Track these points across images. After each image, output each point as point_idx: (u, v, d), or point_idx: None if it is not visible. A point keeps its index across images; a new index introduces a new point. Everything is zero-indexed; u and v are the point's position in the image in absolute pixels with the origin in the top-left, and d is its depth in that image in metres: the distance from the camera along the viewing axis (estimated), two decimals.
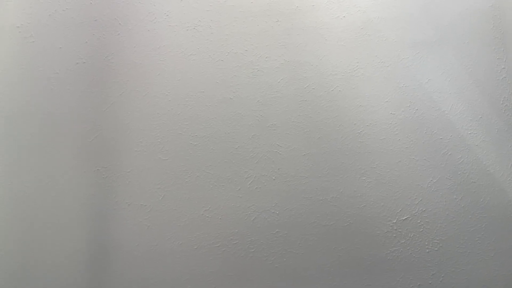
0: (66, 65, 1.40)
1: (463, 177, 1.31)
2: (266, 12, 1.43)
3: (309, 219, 1.30)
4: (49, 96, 1.39)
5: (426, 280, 1.26)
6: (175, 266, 1.28)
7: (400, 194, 1.30)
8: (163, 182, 1.32)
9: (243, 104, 1.37)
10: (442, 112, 1.35)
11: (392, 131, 1.34)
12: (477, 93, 1.35)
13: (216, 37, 1.41)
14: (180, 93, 1.38)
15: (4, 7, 1.45)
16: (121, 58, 1.40)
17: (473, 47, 1.38)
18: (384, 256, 1.27)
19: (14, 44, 1.42)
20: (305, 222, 1.30)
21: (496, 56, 1.37)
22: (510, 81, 1.36)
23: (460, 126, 1.34)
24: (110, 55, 1.41)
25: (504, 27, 1.38)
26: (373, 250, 1.27)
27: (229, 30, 1.42)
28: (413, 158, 1.32)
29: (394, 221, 1.29)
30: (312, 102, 1.37)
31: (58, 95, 1.39)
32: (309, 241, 1.29)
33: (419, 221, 1.29)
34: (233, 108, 1.37)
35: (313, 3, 1.43)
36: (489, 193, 1.30)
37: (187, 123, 1.36)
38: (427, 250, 1.27)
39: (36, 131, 1.36)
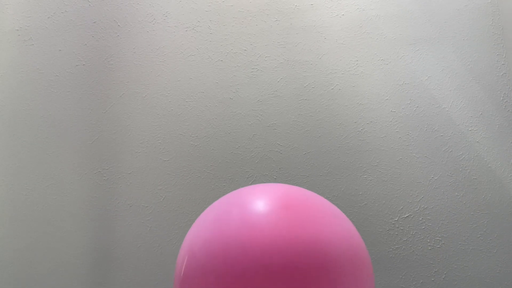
0: (65, 67, 1.41)
1: (465, 174, 1.31)
2: (265, 11, 1.43)
3: None
4: (49, 98, 1.39)
5: (429, 277, 1.25)
6: None
7: (401, 192, 1.30)
8: (164, 183, 1.33)
9: (243, 104, 1.37)
10: (442, 109, 1.34)
11: (393, 129, 1.34)
12: (477, 90, 1.35)
13: (215, 37, 1.42)
14: (180, 93, 1.38)
15: (3, 10, 1.45)
16: (120, 59, 1.41)
17: (472, 43, 1.38)
18: (386, 254, 1.27)
19: (14, 48, 1.42)
20: None
21: (495, 52, 1.37)
22: (510, 77, 1.36)
23: (460, 122, 1.33)
24: (109, 57, 1.41)
25: (503, 23, 1.38)
26: (375, 248, 1.27)
27: (228, 30, 1.42)
28: (414, 156, 1.32)
29: (396, 219, 1.29)
30: (312, 101, 1.36)
31: (58, 97, 1.39)
32: None
33: (420, 219, 1.28)
34: (233, 108, 1.37)
35: (312, 2, 1.43)
36: (490, 189, 1.30)
37: (188, 123, 1.36)
38: (429, 248, 1.27)
39: (36, 133, 1.37)
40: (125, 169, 1.34)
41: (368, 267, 0.82)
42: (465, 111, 1.34)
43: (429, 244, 1.27)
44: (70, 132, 1.37)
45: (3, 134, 1.37)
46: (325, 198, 1.31)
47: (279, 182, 1.32)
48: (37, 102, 1.39)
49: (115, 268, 1.28)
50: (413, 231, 1.28)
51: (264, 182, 1.32)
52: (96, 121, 1.37)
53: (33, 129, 1.37)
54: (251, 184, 1.32)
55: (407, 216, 1.29)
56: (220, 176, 1.33)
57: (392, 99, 1.36)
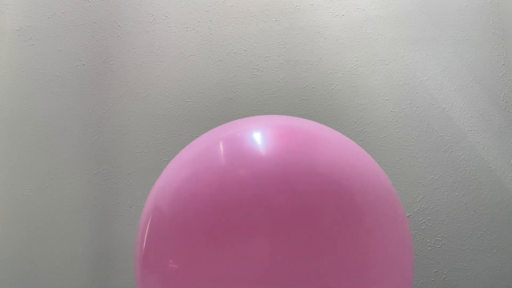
0: (66, 67, 1.41)
1: (465, 174, 1.31)
2: (265, 11, 1.43)
3: None
4: (50, 98, 1.39)
5: (429, 277, 1.25)
6: None
7: (402, 192, 1.30)
8: None
9: (243, 104, 1.37)
10: (442, 109, 1.35)
11: (393, 129, 1.34)
12: (477, 90, 1.35)
13: (215, 37, 1.42)
14: (180, 94, 1.38)
15: (3, 10, 1.45)
16: (120, 59, 1.41)
17: (472, 43, 1.38)
18: None
19: (14, 47, 1.42)
20: None
21: (495, 53, 1.37)
22: (510, 77, 1.36)
23: (460, 123, 1.33)
24: (109, 57, 1.41)
25: (503, 23, 1.38)
26: None
27: (228, 31, 1.42)
28: (414, 156, 1.32)
29: None
30: (312, 101, 1.36)
31: (58, 97, 1.39)
32: None
33: (421, 219, 1.28)
34: (233, 108, 1.37)
35: (312, 2, 1.43)
36: (490, 189, 1.30)
37: (188, 123, 1.36)
38: (430, 248, 1.27)
39: (36, 133, 1.36)
40: (125, 169, 1.34)
41: (399, 204, 0.61)
42: (465, 111, 1.34)
43: (429, 244, 1.27)
44: (70, 132, 1.36)
45: (3, 134, 1.37)
46: None
47: None
48: (37, 102, 1.38)
49: (115, 268, 1.28)
50: (413, 231, 1.28)
51: None
52: (96, 121, 1.37)
53: (33, 129, 1.37)
54: None
55: (407, 216, 1.29)
56: None
57: (392, 99, 1.36)
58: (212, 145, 0.57)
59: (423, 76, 1.37)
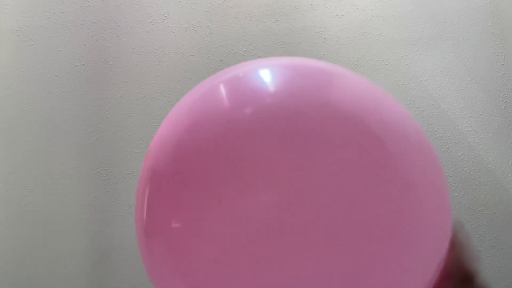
0: (65, 67, 1.40)
1: (464, 174, 1.31)
2: (264, 12, 1.43)
3: None
4: (49, 98, 1.39)
5: None
6: None
7: None
8: None
9: None
10: (442, 109, 1.35)
11: None
12: (476, 90, 1.35)
13: (215, 37, 1.41)
14: (179, 94, 1.38)
15: (2, 10, 1.45)
16: (120, 60, 1.40)
17: (472, 44, 1.38)
18: None
19: (13, 48, 1.42)
20: None
21: (495, 53, 1.37)
22: (510, 78, 1.36)
23: (460, 123, 1.34)
24: (109, 57, 1.41)
25: (503, 24, 1.38)
26: None
27: (227, 31, 1.42)
28: None
29: None
30: None
31: (58, 97, 1.39)
32: None
33: None
34: None
35: (311, 2, 1.43)
36: (490, 190, 1.30)
37: None
38: None
39: (35, 134, 1.36)
40: (125, 169, 1.34)
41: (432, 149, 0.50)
42: (465, 112, 1.34)
43: None
44: (70, 132, 1.36)
45: (3, 134, 1.37)
46: None
47: None
48: (37, 102, 1.38)
49: (115, 268, 1.28)
50: None
51: None
52: (96, 121, 1.37)
53: (32, 130, 1.37)
54: None
55: None
56: None
57: None
58: (211, 89, 0.51)
59: (422, 76, 1.37)
